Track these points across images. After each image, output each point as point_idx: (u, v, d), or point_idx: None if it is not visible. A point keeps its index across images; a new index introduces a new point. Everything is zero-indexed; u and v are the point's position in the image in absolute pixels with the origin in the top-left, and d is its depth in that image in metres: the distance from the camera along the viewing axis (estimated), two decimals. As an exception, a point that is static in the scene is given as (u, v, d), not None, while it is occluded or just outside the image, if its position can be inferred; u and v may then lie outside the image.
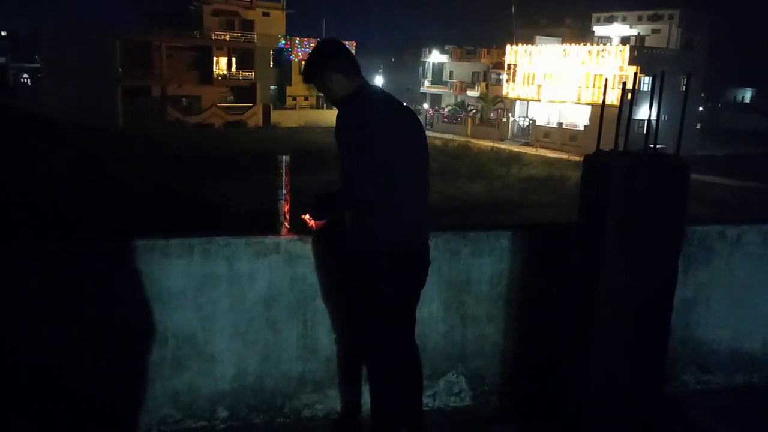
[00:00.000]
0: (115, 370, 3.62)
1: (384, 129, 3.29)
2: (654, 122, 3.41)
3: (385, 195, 3.23)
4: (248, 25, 57.38)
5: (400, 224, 3.31)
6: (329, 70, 3.42)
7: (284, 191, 3.76)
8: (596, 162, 3.33)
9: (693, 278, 4.38)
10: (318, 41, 3.77)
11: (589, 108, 48.10)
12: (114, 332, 3.58)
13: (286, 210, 3.83)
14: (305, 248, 3.83)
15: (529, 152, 45.81)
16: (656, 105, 3.46)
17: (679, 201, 3.28)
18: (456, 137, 51.77)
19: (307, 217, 3.71)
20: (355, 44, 63.34)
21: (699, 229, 4.39)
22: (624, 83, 3.55)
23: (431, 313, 4.10)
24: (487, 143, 49.30)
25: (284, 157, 3.74)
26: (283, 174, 3.74)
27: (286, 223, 3.84)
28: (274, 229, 3.85)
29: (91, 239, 3.58)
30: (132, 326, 3.63)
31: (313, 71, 3.50)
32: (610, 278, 3.23)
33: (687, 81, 4.23)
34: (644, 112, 3.45)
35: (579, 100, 49.06)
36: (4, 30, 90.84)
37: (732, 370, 4.62)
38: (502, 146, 48.54)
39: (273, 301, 3.85)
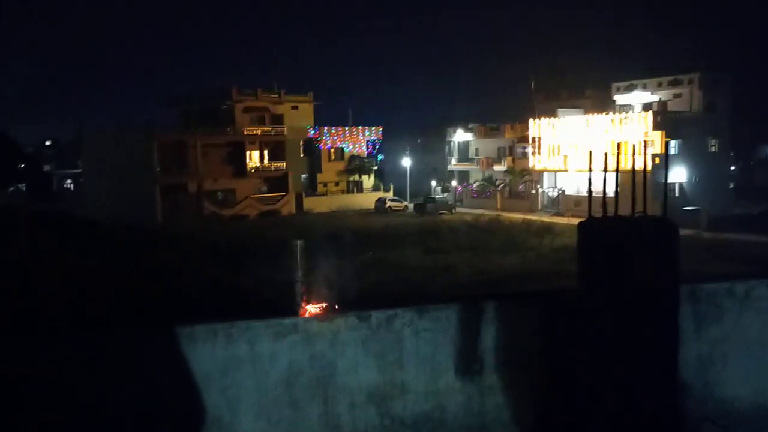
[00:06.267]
0: (147, 453, 3.80)
1: None
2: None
3: None
4: (278, 119, 59.68)
5: None
6: None
7: (299, 273, 4.02)
8: (588, 228, 3.52)
9: (706, 335, 4.43)
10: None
11: (618, 175, 47.87)
12: (144, 414, 3.78)
13: (302, 291, 4.07)
14: (322, 326, 4.04)
15: (561, 222, 45.67)
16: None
17: (670, 261, 3.43)
18: (486, 212, 52.00)
19: None
20: (381, 129, 65.36)
21: (707, 286, 4.48)
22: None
23: (448, 384, 4.21)
24: (517, 216, 49.39)
25: (298, 242, 4.02)
26: (298, 258, 4.01)
27: (303, 304, 4.07)
28: (292, 310, 4.08)
29: (121, 327, 3.85)
30: (161, 408, 3.84)
31: None
32: (608, 338, 3.36)
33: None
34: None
35: (606, 168, 48.99)
36: (49, 139, 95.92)
37: (757, 426, 4.57)
38: (533, 218, 48.55)
39: (294, 380, 4.03)
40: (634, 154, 4.16)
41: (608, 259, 3.32)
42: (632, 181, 3.35)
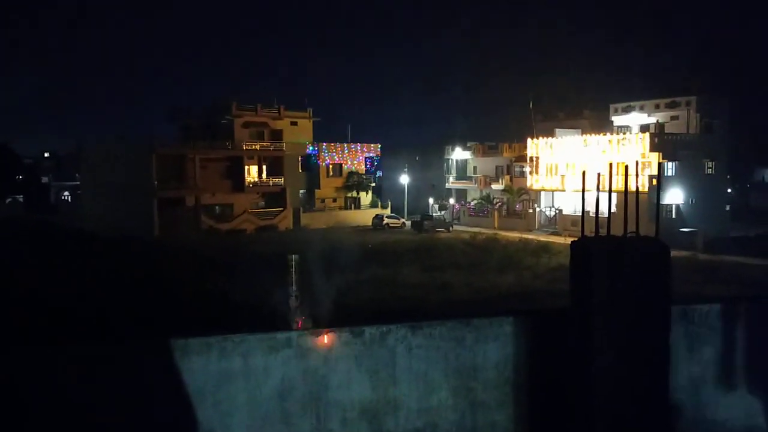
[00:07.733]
0: (138, 467, 3.79)
1: None
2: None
3: None
4: (277, 135, 59.91)
5: None
6: None
7: (294, 288, 4.04)
8: (580, 247, 3.56)
9: (698, 356, 4.45)
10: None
11: (614, 195, 48.03)
12: (137, 428, 3.78)
13: (296, 306, 4.09)
14: (316, 341, 4.04)
15: (558, 241, 45.70)
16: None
17: (661, 281, 3.46)
18: (483, 230, 52.10)
19: None
20: (380, 146, 65.59)
21: (699, 307, 4.50)
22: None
23: (440, 401, 4.22)
24: (514, 234, 49.43)
25: (293, 256, 4.04)
26: (293, 272, 4.03)
27: (297, 318, 4.09)
28: (286, 324, 4.09)
29: (114, 341, 3.85)
30: (154, 421, 3.83)
31: None
32: (600, 357, 3.38)
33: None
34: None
35: (603, 188, 49.13)
36: (47, 151, 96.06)
37: (749, 449, 4.57)
38: (530, 236, 48.60)
39: (287, 394, 4.03)
40: (626, 175, 4.20)
41: (600, 279, 3.35)
42: (624, 201, 3.39)
